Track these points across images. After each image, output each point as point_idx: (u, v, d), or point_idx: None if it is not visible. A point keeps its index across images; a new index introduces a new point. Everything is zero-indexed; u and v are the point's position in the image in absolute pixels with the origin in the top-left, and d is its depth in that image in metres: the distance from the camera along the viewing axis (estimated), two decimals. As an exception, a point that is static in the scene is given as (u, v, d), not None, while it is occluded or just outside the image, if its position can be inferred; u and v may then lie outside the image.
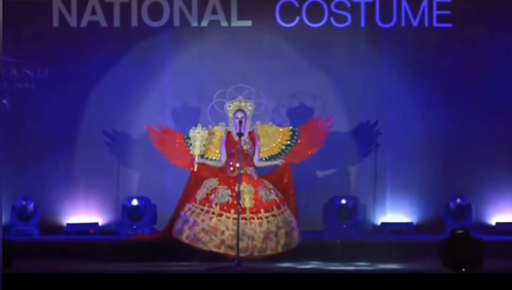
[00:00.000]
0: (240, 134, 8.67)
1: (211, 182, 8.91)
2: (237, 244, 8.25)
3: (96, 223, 10.91)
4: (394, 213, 11.12)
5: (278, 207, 8.76)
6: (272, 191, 8.87)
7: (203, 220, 8.64)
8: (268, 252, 8.57)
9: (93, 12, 10.85)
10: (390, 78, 11.04)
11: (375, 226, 11.04)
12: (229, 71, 10.82)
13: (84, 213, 11.02)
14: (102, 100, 11.00)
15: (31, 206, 10.43)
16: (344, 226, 10.58)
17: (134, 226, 10.47)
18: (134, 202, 10.55)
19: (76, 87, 10.93)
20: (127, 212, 10.55)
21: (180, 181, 9.67)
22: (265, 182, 8.95)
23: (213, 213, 8.66)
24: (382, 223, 11.00)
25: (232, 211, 8.61)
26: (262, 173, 9.28)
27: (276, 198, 8.85)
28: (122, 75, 10.99)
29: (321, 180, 11.03)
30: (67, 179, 10.96)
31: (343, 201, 10.62)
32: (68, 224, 10.81)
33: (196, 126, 9.46)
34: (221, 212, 8.68)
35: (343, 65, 11.04)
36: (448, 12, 10.99)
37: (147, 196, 10.80)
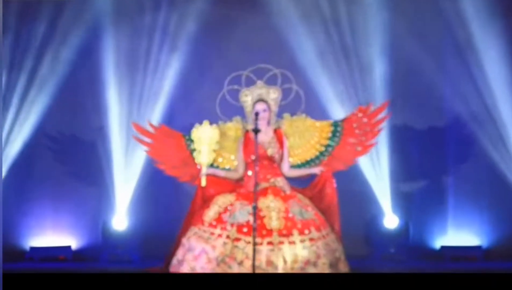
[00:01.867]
0: (256, 130, 7.32)
1: (225, 198, 7.66)
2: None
3: (69, 247, 9.99)
4: (458, 233, 10.06)
5: (318, 230, 7.49)
6: (309, 208, 7.62)
7: (214, 247, 7.32)
8: None
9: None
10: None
11: (433, 251, 10.02)
12: (244, 48, 9.92)
13: (52, 233, 10.08)
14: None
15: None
16: (392, 250, 9.67)
17: (118, 251, 9.62)
18: (117, 220, 9.72)
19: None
20: (108, 233, 9.72)
21: (179, 192, 9.16)
22: (299, 196, 7.75)
23: (227, 237, 7.35)
24: (443, 247, 9.97)
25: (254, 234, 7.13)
26: (294, 185, 8.02)
27: (315, 218, 7.57)
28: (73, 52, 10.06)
29: (361, 191, 9.97)
30: (31, 191, 10.09)
31: (391, 218, 9.73)
32: (32, 248, 9.90)
33: (201, 123, 7.95)
34: (239, 236, 7.35)
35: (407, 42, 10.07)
36: None
37: (134, 213, 9.96)
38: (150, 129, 8.39)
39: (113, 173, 10.06)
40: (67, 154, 10.19)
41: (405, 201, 10.08)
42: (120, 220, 9.75)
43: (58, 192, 10.10)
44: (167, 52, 10.13)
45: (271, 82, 8.16)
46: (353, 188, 9.78)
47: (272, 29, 10.04)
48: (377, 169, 10.01)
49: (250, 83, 8.16)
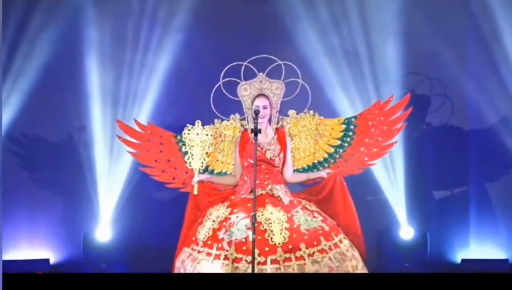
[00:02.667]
0: (255, 131, 7.07)
1: (219, 211, 7.36)
2: None
3: (46, 260, 9.56)
4: (481, 245, 9.66)
5: (328, 238, 7.17)
6: (316, 214, 7.30)
7: (210, 270, 7.06)
8: None
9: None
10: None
11: (453, 265, 9.61)
12: (244, 35, 9.61)
13: (28, 245, 9.68)
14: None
15: None
16: (407, 265, 9.35)
17: (103, 265, 9.35)
18: (101, 230, 9.44)
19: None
20: (91, 245, 9.48)
21: (170, 199, 9.00)
22: (304, 202, 7.44)
23: (226, 257, 7.04)
24: (464, 261, 9.54)
25: (256, 251, 6.87)
26: (296, 190, 7.80)
27: (323, 225, 7.25)
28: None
29: (373, 198, 9.69)
30: (4, 199, 9.04)
31: (406, 229, 9.41)
32: (6, 262, 9.01)
33: (194, 123, 7.85)
34: (239, 255, 7.01)
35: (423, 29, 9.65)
36: None
37: (119, 222, 9.66)
38: (137, 128, 8.10)
39: (95, 178, 9.78)
40: (44, 158, 9.82)
41: (422, 210, 9.71)
42: (104, 230, 9.45)
43: (34, 200, 9.78)
44: (157, 43, 9.84)
45: (273, 75, 7.82)
46: (364, 195, 9.57)
47: (276, 16, 9.80)
48: (391, 174, 9.64)
49: (250, 75, 7.83)
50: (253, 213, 6.83)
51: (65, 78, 9.73)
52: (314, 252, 7.10)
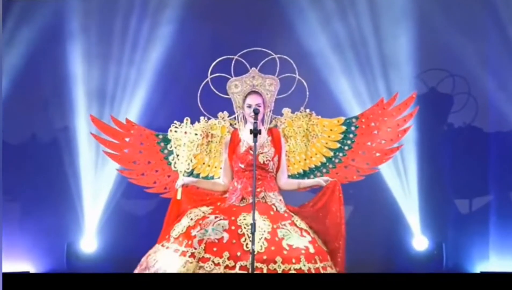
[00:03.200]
0: (255, 132, 6.74)
1: (200, 210, 7.09)
2: None
3: (26, 273, 9.44)
4: (502, 257, 9.47)
5: (311, 260, 6.81)
6: (304, 233, 6.96)
7: (171, 265, 6.80)
8: None
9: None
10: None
11: None
12: (234, 27, 9.52)
13: (6, 257, 9.08)
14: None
15: None
16: None
17: None
18: (85, 241, 9.41)
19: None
20: (75, 256, 9.49)
21: (159, 207, 8.33)
22: (295, 218, 7.09)
23: (192, 255, 6.77)
24: (483, 274, 9.34)
25: (226, 254, 6.70)
26: (293, 201, 7.39)
27: (309, 246, 6.88)
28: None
29: (383, 206, 9.43)
30: None
31: (420, 239, 9.31)
32: None
33: (181, 121, 7.46)
34: (208, 255, 6.75)
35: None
36: None
37: (105, 232, 9.62)
38: (113, 125, 7.73)
39: (80, 184, 9.66)
40: (24, 161, 9.74)
41: (437, 219, 9.52)
42: (89, 241, 9.38)
43: (12, 208, 9.69)
44: (146, 37, 9.68)
45: (267, 70, 7.45)
46: (374, 203, 9.43)
47: (272, 5, 9.65)
48: (403, 180, 9.46)
49: (241, 70, 7.45)
50: (252, 222, 6.49)
51: (47, 75, 9.60)
52: (290, 269, 6.77)
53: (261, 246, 6.75)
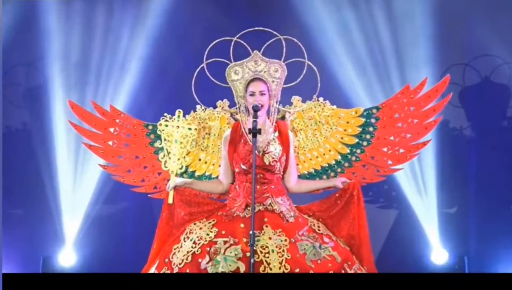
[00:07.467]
0: (254, 132, 6.24)
1: (201, 231, 6.51)
2: None
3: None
4: None
5: (339, 268, 6.47)
6: (326, 239, 6.54)
7: None
8: None
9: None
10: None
11: None
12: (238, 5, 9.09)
13: None
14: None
15: None
16: None
17: None
18: (63, 254, 8.92)
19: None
20: (52, 270, 9.01)
21: (146, 214, 8.41)
22: (311, 221, 6.62)
23: None
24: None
25: None
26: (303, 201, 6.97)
27: (334, 254, 6.46)
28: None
29: (399, 216, 8.96)
30: None
31: (439, 252, 8.77)
32: None
33: (172, 113, 6.93)
34: None
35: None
36: None
37: (85, 244, 9.11)
38: (96, 113, 7.14)
39: (57, 190, 9.10)
40: None
41: (459, 229, 8.90)
42: (67, 254, 8.88)
43: None
44: (133, 18, 9.14)
45: (271, 54, 6.81)
46: (389, 212, 8.94)
47: None
48: (420, 186, 8.84)
49: (241, 54, 6.83)
50: (251, 232, 6.10)
51: (19, 65, 9.12)
52: None
53: (282, 267, 6.36)
